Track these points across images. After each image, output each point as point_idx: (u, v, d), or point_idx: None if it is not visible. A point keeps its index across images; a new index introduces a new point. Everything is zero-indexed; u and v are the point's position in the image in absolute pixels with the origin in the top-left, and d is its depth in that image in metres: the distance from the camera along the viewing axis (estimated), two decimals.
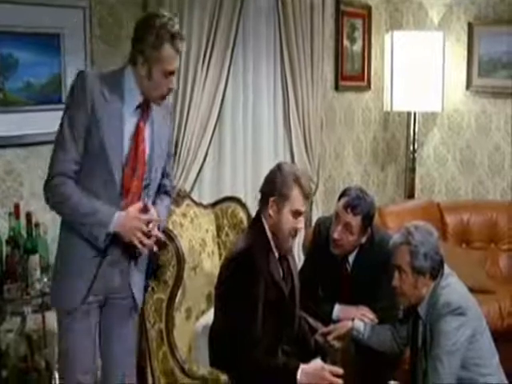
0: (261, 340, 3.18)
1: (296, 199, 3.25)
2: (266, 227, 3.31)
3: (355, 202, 3.67)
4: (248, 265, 3.20)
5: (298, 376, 3.11)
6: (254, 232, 3.36)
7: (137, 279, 3.06)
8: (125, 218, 2.83)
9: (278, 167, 3.35)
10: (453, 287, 3.27)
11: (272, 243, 3.32)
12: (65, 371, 3.02)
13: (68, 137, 2.80)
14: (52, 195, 2.86)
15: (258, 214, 3.38)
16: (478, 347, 3.20)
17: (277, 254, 3.35)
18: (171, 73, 2.85)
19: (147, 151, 2.92)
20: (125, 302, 3.05)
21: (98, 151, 2.80)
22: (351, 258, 3.81)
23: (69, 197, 2.81)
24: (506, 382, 3.31)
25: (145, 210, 2.88)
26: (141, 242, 2.87)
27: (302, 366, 3.14)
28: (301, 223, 3.32)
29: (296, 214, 3.27)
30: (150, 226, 2.87)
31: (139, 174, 2.91)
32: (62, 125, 2.83)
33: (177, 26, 2.83)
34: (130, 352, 3.15)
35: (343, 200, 3.71)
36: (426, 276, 3.26)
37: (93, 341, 3.00)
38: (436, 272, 3.27)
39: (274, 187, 3.28)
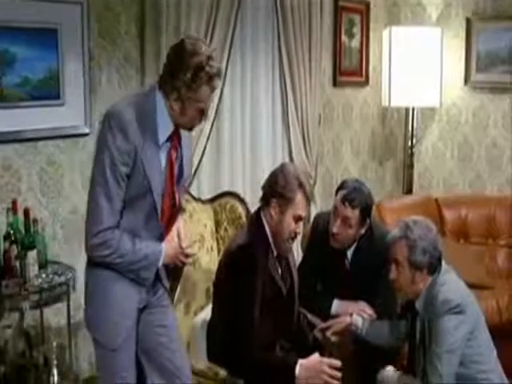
0: (259, 335, 3.18)
1: (299, 204, 3.25)
2: (266, 225, 3.31)
3: (352, 195, 3.66)
4: (246, 261, 3.20)
5: (297, 371, 3.11)
6: (253, 229, 3.36)
7: (164, 274, 3.03)
8: (169, 250, 2.83)
9: (282, 168, 3.34)
10: (451, 284, 3.26)
11: (271, 241, 3.32)
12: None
13: (112, 185, 2.66)
14: (100, 251, 2.73)
15: (258, 213, 3.38)
16: (477, 344, 3.19)
17: (275, 252, 3.36)
18: (205, 109, 2.77)
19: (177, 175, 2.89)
20: (161, 297, 3.03)
21: (141, 187, 2.72)
22: (350, 253, 3.80)
23: (116, 249, 2.72)
24: (505, 377, 3.31)
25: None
26: (182, 262, 2.92)
27: (301, 361, 3.14)
28: (300, 228, 3.33)
29: (297, 218, 3.27)
30: (184, 245, 2.87)
31: (175, 199, 2.89)
32: (101, 169, 2.67)
33: (216, 65, 2.69)
34: (178, 339, 3.09)
35: (340, 193, 3.71)
36: (423, 271, 3.25)
37: (133, 352, 2.91)
38: (434, 267, 3.26)
39: (276, 189, 3.27)
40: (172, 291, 3.36)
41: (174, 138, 2.82)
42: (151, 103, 2.74)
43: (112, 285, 2.81)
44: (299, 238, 4.68)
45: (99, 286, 2.84)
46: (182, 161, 2.89)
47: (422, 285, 3.27)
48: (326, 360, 3.18)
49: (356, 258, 3.80)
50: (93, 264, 2.82)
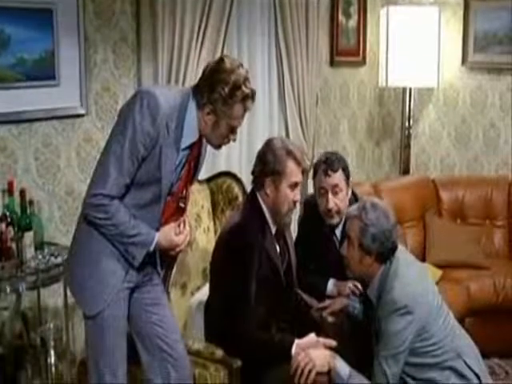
0: (255, 314, 3.19)
1: (292, 172, 3.25)
2: (263, 205, 3.31)
3: (330, 163, 3.71)
4: (242, 239, 3.21)
5: (293, 351, 3.12)
6: (248, 208, 3.37)
7: (158, 259, 3.05)
8: (162, 242, 2.86)
9: (268, 145, 3.35)
10: (403, 281, 3.14)
11: (269, 219, 3.32)
12: (92, 365, 2.94)
13: (126, 160, 2.71)
14: (94, 212, 2.77)
15: (253, 193, 3.37)
16: (430, 335, 3.09)
17: (273, 231, 3.36)
18: (236, 127, 2.84)
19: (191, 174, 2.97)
20: (154, 278, 3.05)
21: (152, 177, 2.77)
22: (338, 231, 3.82)
23: (112, 216, 2.75)
24: (467, 347, 3.24)
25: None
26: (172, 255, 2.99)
27: (297, 341, 3.15)
28: (298, 194, 3.32)
29: (293, 186, 3.27)
30: (181, 237, 2.91)
31: (182, 198, 2.95)
32: (121, 142, 2.72)
33: (251, 87, 2.81)
34: (172, 318, 3.12)
35: (319, 172, 3.76)
36: (371, 257, 3.17)
37: (124, 331, 2.94)
38: (383, 257, 3.18)
39: (267, 167, 3.28)
40: (166, 278, 3.36)
41: (195, 147, 2.88)
42: (183, 107, 2.80)
43: (100, 255, 2.83)
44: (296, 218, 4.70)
45: (87, 248, 2.87)
46: (197, 165, 2.98)
47: (371, 270, 3.20)
48: (322, 340, 3.20)
49: (344, 235, 3.80)
50: (87, 221, 2.83)
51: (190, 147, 2.86)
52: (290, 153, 3.26)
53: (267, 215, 3.33)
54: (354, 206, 3.29)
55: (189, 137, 2.82)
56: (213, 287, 3.40)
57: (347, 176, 3.77)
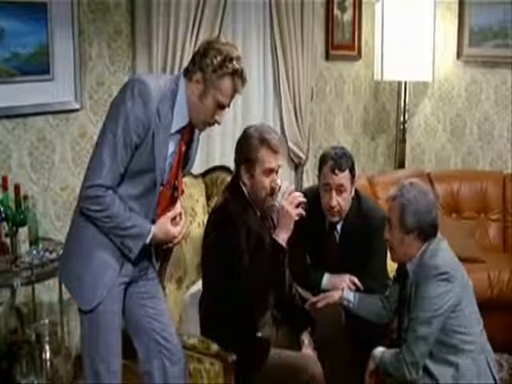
0: (249, 293, 3.19)
1: (264, 158, 3.27)
2: (244, 190, 3.35)
3: (339, 162, 3.67)
4: (225, 217, 3.24)
5: (276, 237, 3.22)
6: (229, 191, 3.41)
7: (153, 252, 3.06)
8: (159, 234, 2.85)
9: (243, 134, 3.39)
10: (444, 253, 3.24)
11: (252, 204, 3.35)
12: (87, 359, 2.94)
13: (120, 149, 2.70)
14: (89, 204, 2.76)
15: (235, 180, 3.40)
16: (462, 317, 3.16)
17: (258, 213, 3.39)
18: (223, 106, 2.83)
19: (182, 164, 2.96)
20: (149, 272, 3.05)
21: (145, 165, 2.77)
22: (339, 226, 3.81)
23: (107, 208, 2.74)
24: (489, 347, 3.31)
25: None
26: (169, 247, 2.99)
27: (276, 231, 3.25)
28: (276, 181, 3.31)
29: (268, 172, 3.29)
30: (178, 228, 2.90)
31: (176, 186, 2.94)
32: (113, 131, 2.71)
33: (241, 66, 2.81)
34: (167, 312, 3.13)
35: (327, 167, 3.70)
36: (413, 234, 3.21)
37: (119, 326, 2.94)
38: (425, 233, 3.22)
39: (241, 155, 3.33)
40: (161, 271, 3.36)
41: (186, 133, 2.88)
42: (174, 90, 2.80)
43: (95, 248, 2.82)
44: None
45: (82, 242, 2.86)
46: (188, 152, 2.97)
47: (413, 250, 3.25)
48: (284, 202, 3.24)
49: (345, 230, 3.80)
50: (83, 215, 2.82)
51: (181, 132, 2.85)
52: (263, 141, 3.28)
53: (250, 200, 3.35)
54: (393, 189, 3.34)
55: (179, 120, 2.81)
56: (204, 279, 3.40)
57: (353, 176, 3.74)
